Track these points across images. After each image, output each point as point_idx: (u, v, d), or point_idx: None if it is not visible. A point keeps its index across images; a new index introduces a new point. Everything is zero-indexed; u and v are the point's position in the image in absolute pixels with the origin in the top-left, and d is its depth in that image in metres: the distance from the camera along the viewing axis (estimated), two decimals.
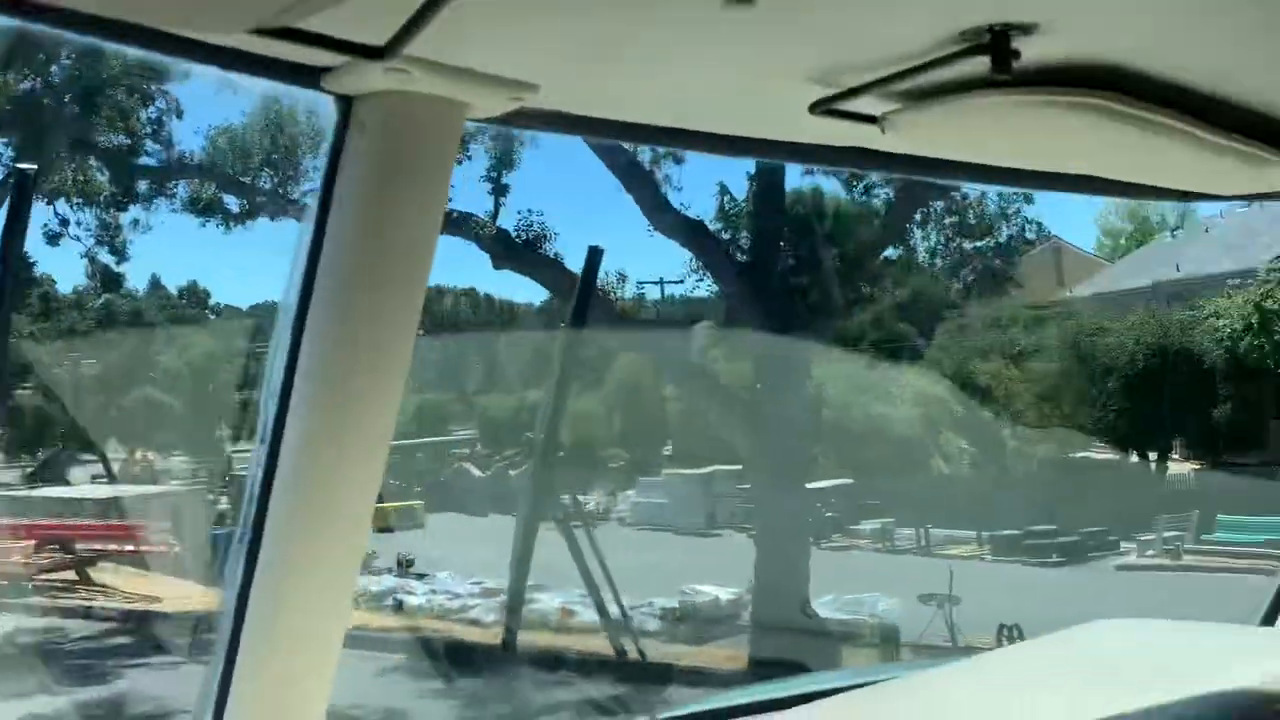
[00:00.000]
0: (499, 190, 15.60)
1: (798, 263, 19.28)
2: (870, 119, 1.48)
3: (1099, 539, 19.82)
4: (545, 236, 13.72)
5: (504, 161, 15.63)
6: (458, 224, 13.64)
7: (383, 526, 23.58)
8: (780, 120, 1.60)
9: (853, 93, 1.43)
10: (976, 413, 25.01)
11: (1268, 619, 1.99)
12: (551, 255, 13.70)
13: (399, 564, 20.52)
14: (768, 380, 14.21)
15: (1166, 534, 19.12)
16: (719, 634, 15.35)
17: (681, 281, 49.75)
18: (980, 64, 1.31)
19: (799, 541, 14.14)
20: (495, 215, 14.29)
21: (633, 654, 10.97)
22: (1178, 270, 28.21)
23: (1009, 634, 11.34)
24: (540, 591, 16.09)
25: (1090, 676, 1.82)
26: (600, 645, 11.97)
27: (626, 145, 14.04)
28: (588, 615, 12.77)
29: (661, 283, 34.02)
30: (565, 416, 34.44)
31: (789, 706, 1.83)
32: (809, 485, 21.62)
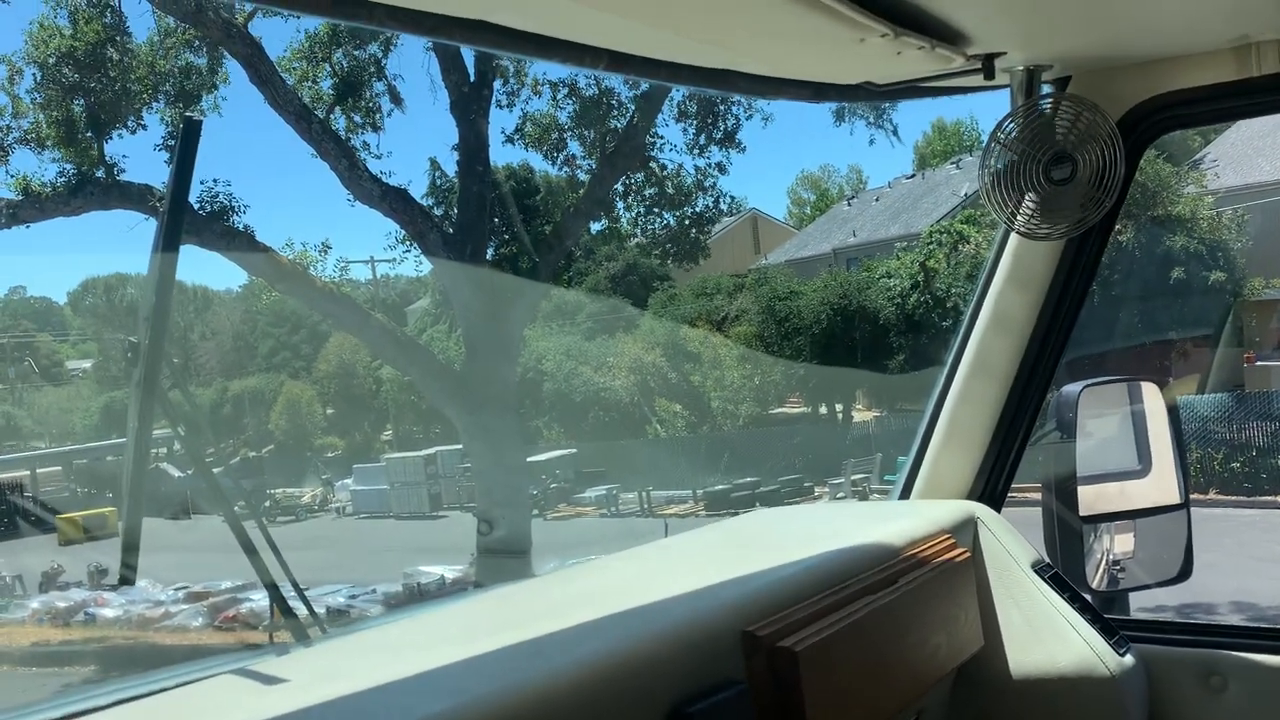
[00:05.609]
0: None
1: (509, 237, 19.32)
2: None
3: (795, 485, 21.46)
4: (233, 208, 12.70)
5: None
6: (133, 196, 12.44)
7: (69, 538, 21.54)
8: None
9: None
10: (688, 377, 26.26)
11: (904, 494, 2.18)
12: (241, 228, 12.71)
13: (90, 576, 19.21)
14: (484, 356, 14.03)
15: (854, 476, 20.98)
16: None
17: (394, 262, 48.45)
18: None
19: (522, 514, 14.18)
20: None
21: None
22: (854, 236, 30.95)
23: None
24: (254, 590, 15.34)
25: (739, 544, 1.94)
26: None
27: (318, 110, 13.37)
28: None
29: (373, 262, 33.01)
30: (279, 405, 32.42)
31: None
32: (534, 458, 21.84)
